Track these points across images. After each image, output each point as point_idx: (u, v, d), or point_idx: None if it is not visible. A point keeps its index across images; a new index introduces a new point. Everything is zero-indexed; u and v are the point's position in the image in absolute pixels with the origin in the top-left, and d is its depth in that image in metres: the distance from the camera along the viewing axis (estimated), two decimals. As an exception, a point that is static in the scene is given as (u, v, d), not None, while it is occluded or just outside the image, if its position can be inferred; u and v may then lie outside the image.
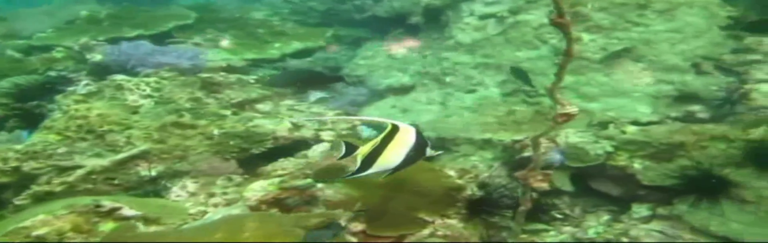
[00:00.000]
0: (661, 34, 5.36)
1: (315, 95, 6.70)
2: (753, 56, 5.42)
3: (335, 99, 6.98)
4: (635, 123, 4.78)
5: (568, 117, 2.59)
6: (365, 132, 6.16)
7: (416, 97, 6.58)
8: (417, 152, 2.60)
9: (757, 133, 3.96)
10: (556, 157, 4.42)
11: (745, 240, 3.47)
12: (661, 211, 3.92)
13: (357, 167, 2.55)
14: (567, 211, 4.32)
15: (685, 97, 5.05)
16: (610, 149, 4.24)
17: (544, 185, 2.93)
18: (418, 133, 2.59)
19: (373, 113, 6.54)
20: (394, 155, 2.57)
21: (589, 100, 5.22)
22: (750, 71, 5.26)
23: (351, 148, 2.57)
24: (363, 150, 2.54)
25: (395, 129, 2.56)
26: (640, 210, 4.06)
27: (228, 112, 4.79)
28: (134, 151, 4.04)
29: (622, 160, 4.16)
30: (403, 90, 6.80)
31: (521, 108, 5.54)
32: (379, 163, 2.57)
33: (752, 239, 3.45)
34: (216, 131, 4.40)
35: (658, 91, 5.09)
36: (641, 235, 3.79)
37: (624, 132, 4.39)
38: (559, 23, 2.25)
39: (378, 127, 6.28)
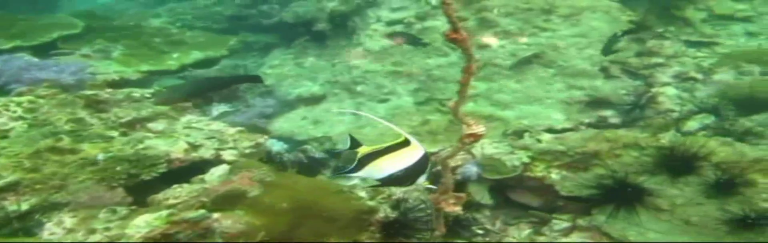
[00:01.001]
0: (568, 39, 5.35)
1: (218, 109, 6.29)
2: (656, 59, 5.51)
3: (241, 112, 6.60)
4: (550, 130, 4.71)
5: (476, 137, 2.38)
6: (276, 146, 5.82)
7: (328, 108, 6.32)
8: (409, 174, 2.43)
9: (665, 138, 3.94)
10: (473, 169, 4.26)
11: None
12: (580, 222, 3.81)
13: (353, 165, 2.44)
14: (488, 226, 4.15)
15: (596, 102, 5.03)
16: (526, 160, 4.11)
17: (457, 209, 2.71)
18: (424, 158, 2.42)
19: (284, 126, 6.25)
20: (385, 166, 2.41)
21: (502, 108, 5.12)
22: (655, 74, 5.33)
23: (355, 144, 2.44)
24: (364, 149, 2.42)
25: (405, 143, 2.39)
26: (561, 221, 3.95)
27: (115, 134, 4.32)
28: (0, 183, 3.51)
29: (539, 170, 4.04)
30: (314, 100, 6.54)
31: (435, 117, 5.37)
32: (367, 168, 2.41)
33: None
34: (100, 156, 3.93)
35: (569, 97, 5.05)
36: (562, 249, 3.68)
37: (539, 141, 4.29)
38: (454, 39, 2.02)
39: (289, 140, 5.97)
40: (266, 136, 5.67)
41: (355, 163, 2.41)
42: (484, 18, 5.48)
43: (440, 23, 5.78)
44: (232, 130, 4.78)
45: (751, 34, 6.09)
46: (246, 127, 5.86)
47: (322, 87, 6.57)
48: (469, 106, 5.25)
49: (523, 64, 5.30)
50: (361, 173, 2.43)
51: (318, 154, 5.59)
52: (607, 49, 5.08)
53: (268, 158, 5.31)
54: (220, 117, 6.13)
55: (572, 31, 5.37)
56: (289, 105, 6.59)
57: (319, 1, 7.37)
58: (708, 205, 3.42)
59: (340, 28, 6.92)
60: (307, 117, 6.25)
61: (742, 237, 3.29)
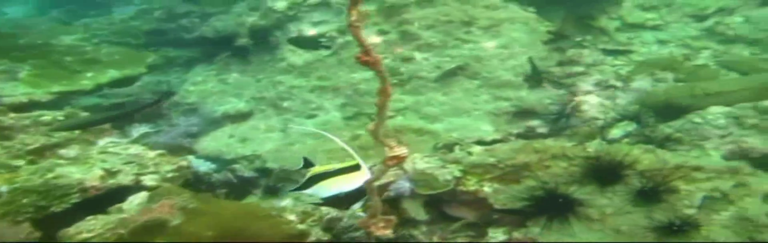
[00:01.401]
0: (491, 50, 5.41)
1: (138, 130, 5.99)
2: (577, 68, 5.65)
3: (164, 132, 6.33)
4: (480, 142, 4.71)
5: (399, 159, 2.32)
6: (203, 166, 5.61)
7: (255, 125, 6.16)
8: (348, 198, 2.60)
9: (592, 147, 4.00)
10: (405, 185, 4.19)
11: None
12: (516, 234, 3.80)
13: (302, 182, 2.65)
14: (425, 242, 4.09)
15: (523, 112, 5.09)
16: (458, 174, 4.08)
17: (387, 232, 2.65)
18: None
19: (211, 145, 6.02)
20: (333, 186, 2.60)
21: (431, 121, 5.10)
22: (577, 83, 5.46)
23: (307, 164, 2.70)
24: (316, 169, 2.65)
25: (355, 168, 2.57)
26: (497, 234, 3.92)
27: (22, 162, 4.01)
28: None
29: (471, 184, 4.01)
30: (241, 117, 6.35)
31: (365, 132, 5.30)
32: (316, 186, 2.61)
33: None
34: (3, 188, 3.63)
35: (496, 108, 5.09)
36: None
37: (470, 153, 4.28)
38: (366, 62, 1.94)
39: (217, 159, 5.75)
40: (191, 157, 5.46)
41: (305, 180, 2.60)
42: (405, 31, 5.50)
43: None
44: (152, 154, 4.53)
45: (662, 42, 6.36)
46: (170, 147, 5.63)
47: (247, 103, 6.38)
48: (398, 120, 5.22)
49: (448, 76, 5.31)
50: (309, 191, 2.59)
51: (247, 173, 5.43)
52: (534, 71, 5.14)
53: (195, 179, 5.11)
54: (141, 138, 5.84)
55: (494, 43, 5.44)
56: (215, 123, 6.35)
57: (238, 16, 7.21)
58: (636, 213, 3.47)
59: (262, 42, 6.75)
60: (235, 135, 6.04)
61: None
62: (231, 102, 6.50)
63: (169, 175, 4.35)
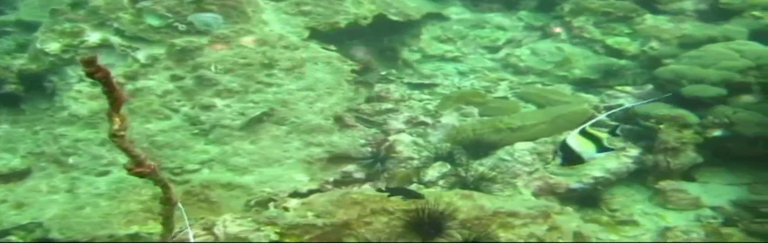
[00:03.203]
0: (296, 93, 5.25)
1: None
2: (386, 105, 5.63)
3: None
4: (295, 194, 4.46)
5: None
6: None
7: (34, 186, 5.40)
8: None
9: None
10: (216, 254, 3.76)
11: None
12: (343, 299, 3.54)
13: None
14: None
15: (337, 158, 4.93)
16: (275, 237, 3.75)
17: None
18: None
19: (-26, 214, 5.10)
20: None
21: (241, 173, 4.80)
22: (388, 121, 5.42)
23: None
24: None
25: None
26: (324, 300, 3.65)
27: None
28: None
29: (290, 248, 3.70)
30: (15, 176, 5.56)
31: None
32: None
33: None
34: None
35: (309, 155, 4.90)
36: None
37: (287, 209, 3.98)
38: (140, 173, 1.58)
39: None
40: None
41: None
42: (201, 76, 5.15)
43: (154, 83, 5.25)
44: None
45: (462, 74, 6.61)
46: None
47: (23, 160, 5.63)
48: (204, 174, 4.82)
49: (254, 123, 5.05)
50: None
51: (25, 248, 4.68)
52: None
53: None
54: None
55: (298, 85, 5.29)
56: (-18, 185, 5.44)
57: (4, 56, 6.32)
58: (462, 268, 3.40)
59: (36, 89, 5.95)
60: (7, 199, 5.27)
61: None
62: (2, 158, 5.69)
63: None
